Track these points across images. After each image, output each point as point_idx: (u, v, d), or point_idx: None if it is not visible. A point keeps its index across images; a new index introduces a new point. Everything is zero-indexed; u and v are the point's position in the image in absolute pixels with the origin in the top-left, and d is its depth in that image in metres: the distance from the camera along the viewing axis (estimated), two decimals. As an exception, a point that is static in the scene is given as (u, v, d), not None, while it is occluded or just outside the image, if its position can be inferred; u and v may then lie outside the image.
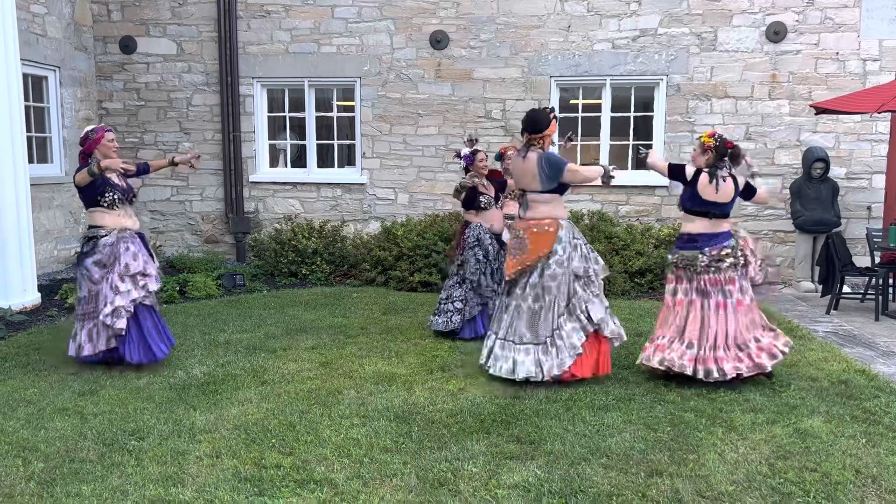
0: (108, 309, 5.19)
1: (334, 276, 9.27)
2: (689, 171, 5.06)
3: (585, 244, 5.14)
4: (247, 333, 6.42)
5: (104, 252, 5.24)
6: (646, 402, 4.63)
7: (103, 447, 3.92)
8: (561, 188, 5.07)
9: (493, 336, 5.17)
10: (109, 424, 4.23)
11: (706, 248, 4.96)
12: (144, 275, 5.34)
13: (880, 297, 7.26)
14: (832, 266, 7.55)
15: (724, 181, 4.99)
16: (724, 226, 5.08)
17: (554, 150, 5.40)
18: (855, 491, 3.45)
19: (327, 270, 9.20)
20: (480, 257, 6.17)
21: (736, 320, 4.94)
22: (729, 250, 4.98)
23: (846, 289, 8.03)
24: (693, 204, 5.04)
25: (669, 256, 5.18)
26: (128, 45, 10.11)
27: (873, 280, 7.44)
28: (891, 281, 7.65)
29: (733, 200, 5.09)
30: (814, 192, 8.68)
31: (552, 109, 5.26)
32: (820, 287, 8.03)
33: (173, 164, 5.81)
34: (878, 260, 7.75)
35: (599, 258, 5.22)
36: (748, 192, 5.20)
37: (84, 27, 9.95)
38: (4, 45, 6.97)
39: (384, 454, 3.83)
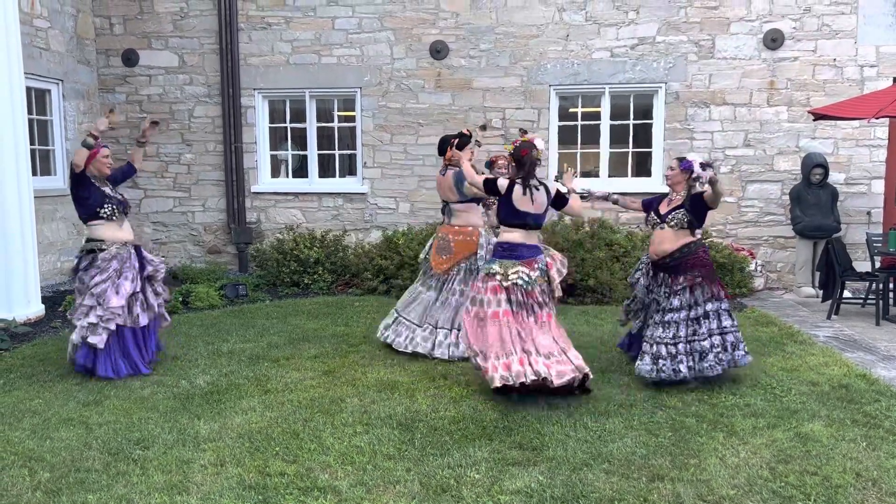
0: (86, 321, 5.29)
1: (336, 285, 9.30)
2: (503, 183, 4.97)
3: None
4: (250, 343, 6.45)
5: (102, 266, 5.34)
6: (647, 407, 4.65)
7: (108, 456, 3.94)
8: (475, 199, 5.91)
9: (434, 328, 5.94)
10: (114, 434, 4.26)
11: (525, 259, 4.88)
12: (135, 294, 5.45)
13: (881, 302, 7.28)
14: (832, 271, 7.57)
15: (538, 190, 4.95)
16: (538, 238, 5.06)
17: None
18: (855, 494, 3.47)
19: (329, 280, 9.23)
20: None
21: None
22: (542, 265, 4.93)
23: (847, 294, 8.05)
24: (510, 216, 4.93)
25: (495, 266, 4.90)
26: (130, 58, 10.19)
27: (874, 285, 7.47)
28: (891, 286, 7.67)
29: (547, 210, 5.06)
30: (813, 198, 8.71)
31: (459, 136, 5.84)
32: (821, 292, 8.05)
33: (141, 143, 5.85)
34: (878, 265, 7.77)
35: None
36: (559, 202, 5.09)
37: (87, 41, 10.03)
38: (8, 59, 7.03)
39: (387, 461, 3.85)
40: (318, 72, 9.92)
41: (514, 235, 4.94)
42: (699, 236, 5.35)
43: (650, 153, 9.59)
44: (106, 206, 5.38)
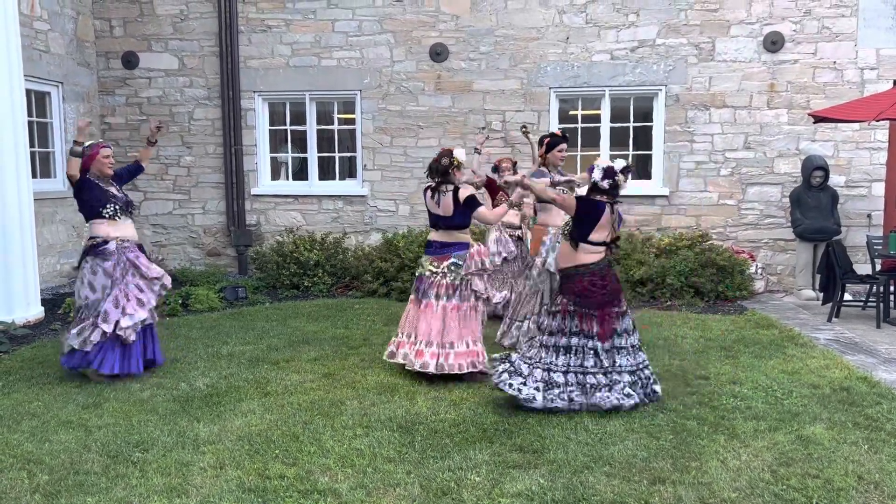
0: (126, 321, 5.30)
1: (336, 287, 9.29)
2: (425, 188, 5.56)
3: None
4: (249, 345, 6.44)
5: (110, 260, 5.32)
6: (648, 410, 4.64)
7: (108, 459, 3.93)
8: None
9: None
10: (114, 437, 4.24)
11: (434, 254, 5.43)
12: (157, 278, 5.53)
13: (881, 305, 7.27)
14: (833, 274, 7.56)
15: (444, 195, 5.34)
16: (458, 237, 5.41)
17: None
18: (857, 497, 3.46)
19: (329, 282, 9.23)
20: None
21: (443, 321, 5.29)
22: (455, 260, 5.35)
23: (847, 296, 8.04)
24: (429, 217, 5.57)
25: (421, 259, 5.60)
26: (130, 61, 10.19)
27: (874, 287, 7.46)
28: (892, 288, 7.66)
29: (459, 213, 5.28)
30: (813, 201, 8.71)
31: (550, 136, 6.11)
32: (821, 295, 8.04)
33: (151, 143, 5.84)
34: (878, 267, 7.77)
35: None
36: (470, 207, 5.31)
37: (86, 43, 10.03)
38: (8, 61, 7.03)
39: (387, 464, 3.84)
40: (318, 74, 9.92)
41: (432, 234, 5.56)
42: (596, 257, 4.66)
43: (650, 156, 9.59)
44: (109, 205, 5.38)
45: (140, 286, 5.45)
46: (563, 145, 6.11)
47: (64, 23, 9.52)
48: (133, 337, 5.35)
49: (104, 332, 5.27)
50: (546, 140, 6.16)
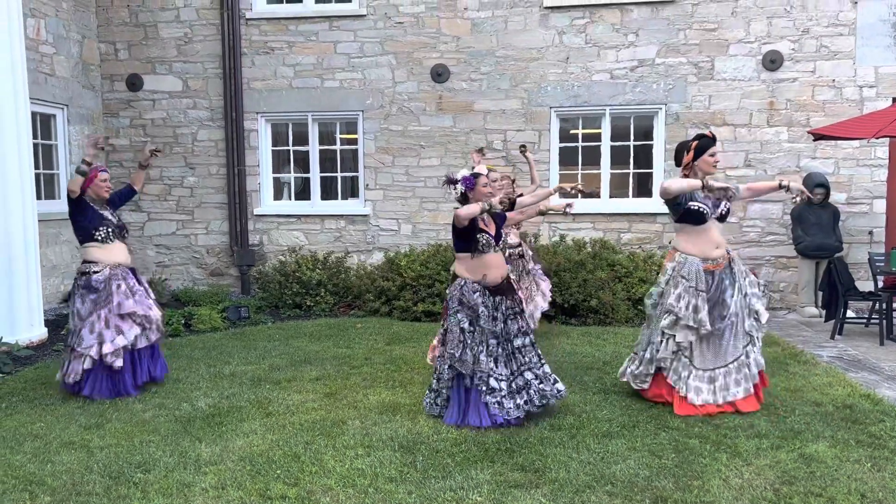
0: (107, 348, 5.35)
1: (338, 306, 9.30)
2: None
3: None
4: (252, 365, 6.45)
5: (97, 289, 5.40)
6: (650, 428, 4.63)
7: (109, 480, 3.93)
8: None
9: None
10: (115, 457, 4.24)
11: None
12: (138, 314, 5.49)
13: (884, 322, 7.26)
14: (835, 291, 7.56)
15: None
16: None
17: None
18: (860, 515, 3.44)
19: (331, 301, 9.24)
20: (466, 326, 4.71)
21: None
22: None
23: (850, 313, 8.03)
24: None
25: None
26: (134, 83, 10.29)
27: (877, 304, 7.45)
28: (894, 305, 7.65)
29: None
30: (815, 218, 8.72)
31: (697, 138, 5.05)
32: (824, 312, 8.03)
33: (144, 167, 5.81)
34: (880, 284, 7.76)
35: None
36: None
37: (91, 66, 10.14)
38: (14, 85, 7.10)
39: (389, 484, 3.83)
40: (321, 95, 10.00)
41: None
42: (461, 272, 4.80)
43: (651, 174, 9.62)
44: (101, 228, 5.45)
45: (121, 316, 5.44)
46: (716, 148, 5.02)
47: (69, 46, 9.63)
48: (118, 363, 5.38)
49: (92, 360, 5.35)
50: (693, 144, 5.05)
